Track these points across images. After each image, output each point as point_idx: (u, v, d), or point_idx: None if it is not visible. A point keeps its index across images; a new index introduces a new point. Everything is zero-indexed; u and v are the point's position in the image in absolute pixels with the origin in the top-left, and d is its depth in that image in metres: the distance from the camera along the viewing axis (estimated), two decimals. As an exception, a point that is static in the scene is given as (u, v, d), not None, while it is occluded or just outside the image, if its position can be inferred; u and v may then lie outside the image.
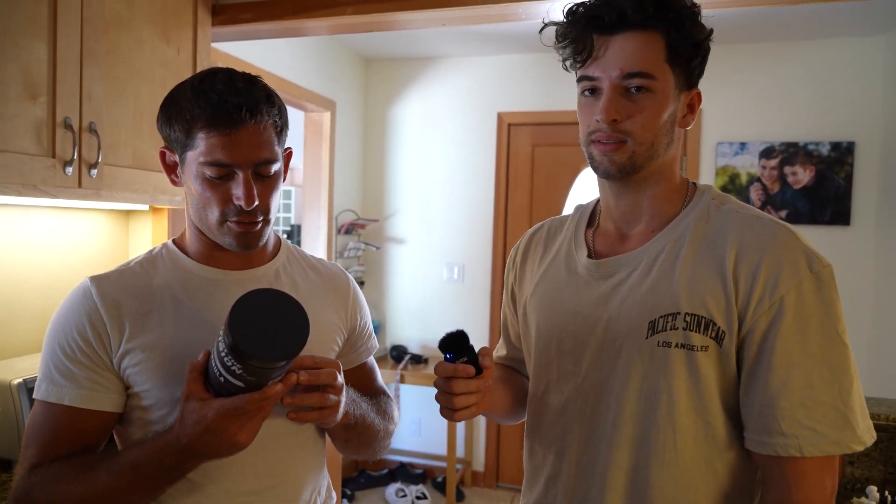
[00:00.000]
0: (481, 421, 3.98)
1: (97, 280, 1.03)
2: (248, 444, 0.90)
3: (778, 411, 0.90)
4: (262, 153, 0.98)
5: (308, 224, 3.66)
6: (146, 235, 2.08)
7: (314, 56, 3.50)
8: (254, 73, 1.02)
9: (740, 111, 3.49)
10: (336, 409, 1.00)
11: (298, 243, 4.01)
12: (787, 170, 3.42)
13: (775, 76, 3.44)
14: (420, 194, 4.05)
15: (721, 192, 1.05)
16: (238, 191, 0.98)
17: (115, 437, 1.08)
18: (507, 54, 3.84)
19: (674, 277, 0.96)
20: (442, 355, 1.00)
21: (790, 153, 3.41)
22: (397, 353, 3.87)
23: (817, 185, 3.38)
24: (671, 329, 0.94)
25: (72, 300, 1.02)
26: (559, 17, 1.01)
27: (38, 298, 1.81)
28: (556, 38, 1.01)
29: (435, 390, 1.02)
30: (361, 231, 4.00)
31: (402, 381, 3.65)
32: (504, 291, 1.26)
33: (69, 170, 1.47)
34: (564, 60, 1.01)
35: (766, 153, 3.45)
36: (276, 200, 1.05)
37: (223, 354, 0.85)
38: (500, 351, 1.30)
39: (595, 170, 1.01)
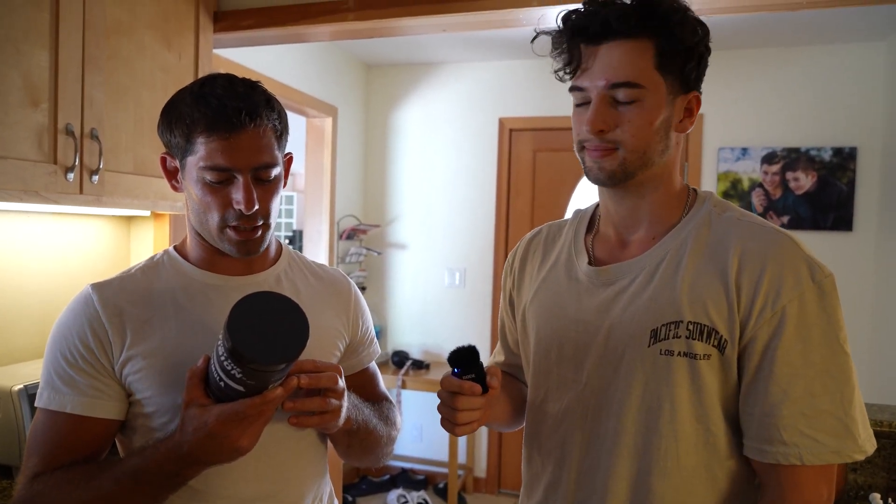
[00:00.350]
0: (483, 427, 3.96)
1: (99, 287, 1.03)
2: (250, 450, 0.90)
3: (779, 420, 0.90)
4: (261, 157, 0.98)
5: (310, 229, 3.66)
6: (147, 241, 2.08)
7: (316, 62, 3.51)
8: (255, 79, 1.02)
9: (742, 116, 3.49)
10: (338, 413, 1.00)
11: (300, 249, 4.01)
12: (789, 175, 3.42)
13: (777, 81, 3.44)
14: (421, 200, 4.05)
15: (722, 200, 1.04)
16: (238, 195, 0.98)
17: (118, 445, 1.08)
18: (509, 60, 3.84)
19: (676, 285, 0.96)
20: (447, 364, 1.00)
21: (792, 158, 3.41)
22: (399, 359, 3.87)
23: (819, 191, 3.38)
24: (674, 337, 0.94)
25: (73, 307, 1.02)
26: (553, 24, 1.01)
27: (39, 305, 1.80)
28: (552, 47, 1.00)
29: (436, 396, 1.02)
30: (363, 236, 4.00)
31: (403, 386, 3.65)
32: (502, 297, 1.25)
33: (71, 176, 1.47)
34: (556, 71, 1.01)
35: (768, 158, 3.44)
36: (277, 205, 1.05)
37: (223, 359, 0.85)
38: (497, 357, 1.30)
39: (587, 176, 1.01)
